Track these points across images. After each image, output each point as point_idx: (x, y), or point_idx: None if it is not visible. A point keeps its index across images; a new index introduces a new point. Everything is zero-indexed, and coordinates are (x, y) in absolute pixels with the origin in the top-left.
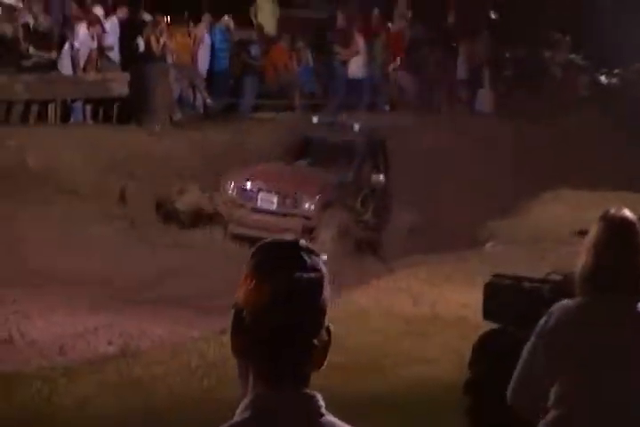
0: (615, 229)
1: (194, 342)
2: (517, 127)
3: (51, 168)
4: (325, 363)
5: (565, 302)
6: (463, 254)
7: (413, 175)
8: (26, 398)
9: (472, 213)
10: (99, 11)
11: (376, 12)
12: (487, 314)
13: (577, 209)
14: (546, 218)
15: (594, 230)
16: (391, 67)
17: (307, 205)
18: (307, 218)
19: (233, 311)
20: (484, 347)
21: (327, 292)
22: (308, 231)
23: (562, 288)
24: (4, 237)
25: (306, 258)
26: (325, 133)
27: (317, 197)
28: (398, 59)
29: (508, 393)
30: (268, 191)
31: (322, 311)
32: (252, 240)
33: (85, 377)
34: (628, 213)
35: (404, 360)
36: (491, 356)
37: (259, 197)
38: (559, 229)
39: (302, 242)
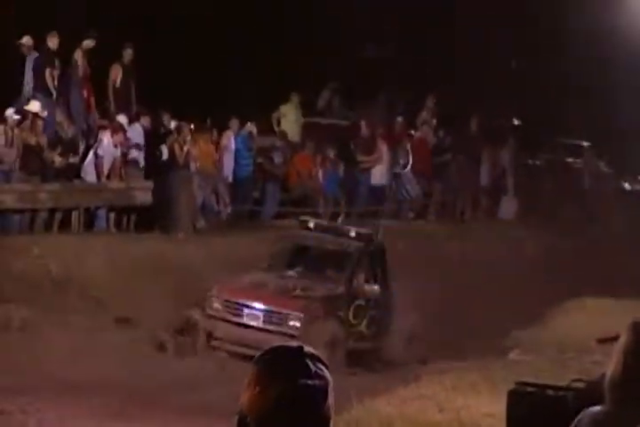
0: None
1: None
2: (541, 235)
3: (73, 276)
4: None
5: (594, 409)
6: (487, 363)
7: (432, 282)
8: None
9: (490, 320)
10: (122, 119)
11: (399, 119)
12: (511, 422)
13: (601, 318)
14: (569, 327)
15: (623, 339)
16: (399, 169)
17: (292, 323)
18: (293, 336)
19: (237, 417)
20: None
21: (332, 399)
22: None
23: (586, 396)
24: (27, 345)
25: (310, 365)
26: (319, 240)
27: (303, 314)
28: (402, 162)
29: None
30: (254, 307)
31: (326, 418)
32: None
33: None
34: None
35: None
36: None
37: (244, 312)
38: (583, 338)
39: (307, 348)
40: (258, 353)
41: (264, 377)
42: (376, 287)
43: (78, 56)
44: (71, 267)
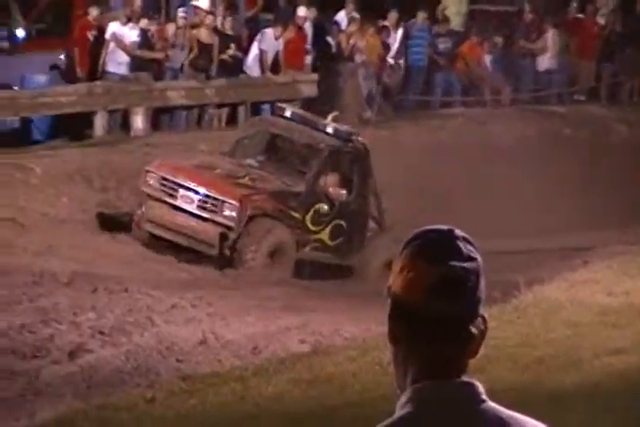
0: None
1: (385, 339)
2: None
3: None
4: (480, 352)
5: None
6: None
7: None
8: (220, 398)
9: None
10: (301, 12)
11: (574, 3)
12: None
13: None
14: None
15: None
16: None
17: (227, 212)
18: (227, 227)
19: (390, 300)
20: None
21: (483, 281)
22: (230, 243)
23: None
24: None
25: (462, 247)
26: (291, 131)
27: (240, 203)
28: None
29: None
30: (190, 189)
31: (478, 300)
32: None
33: (277, 376)
34: None
35: (599, 352)
36: None
37: (179, 193)
38: None
39: (457, 231)
40: (185, 240)
41: (416, 262)
42: (344, 192)
43: None
44: None
